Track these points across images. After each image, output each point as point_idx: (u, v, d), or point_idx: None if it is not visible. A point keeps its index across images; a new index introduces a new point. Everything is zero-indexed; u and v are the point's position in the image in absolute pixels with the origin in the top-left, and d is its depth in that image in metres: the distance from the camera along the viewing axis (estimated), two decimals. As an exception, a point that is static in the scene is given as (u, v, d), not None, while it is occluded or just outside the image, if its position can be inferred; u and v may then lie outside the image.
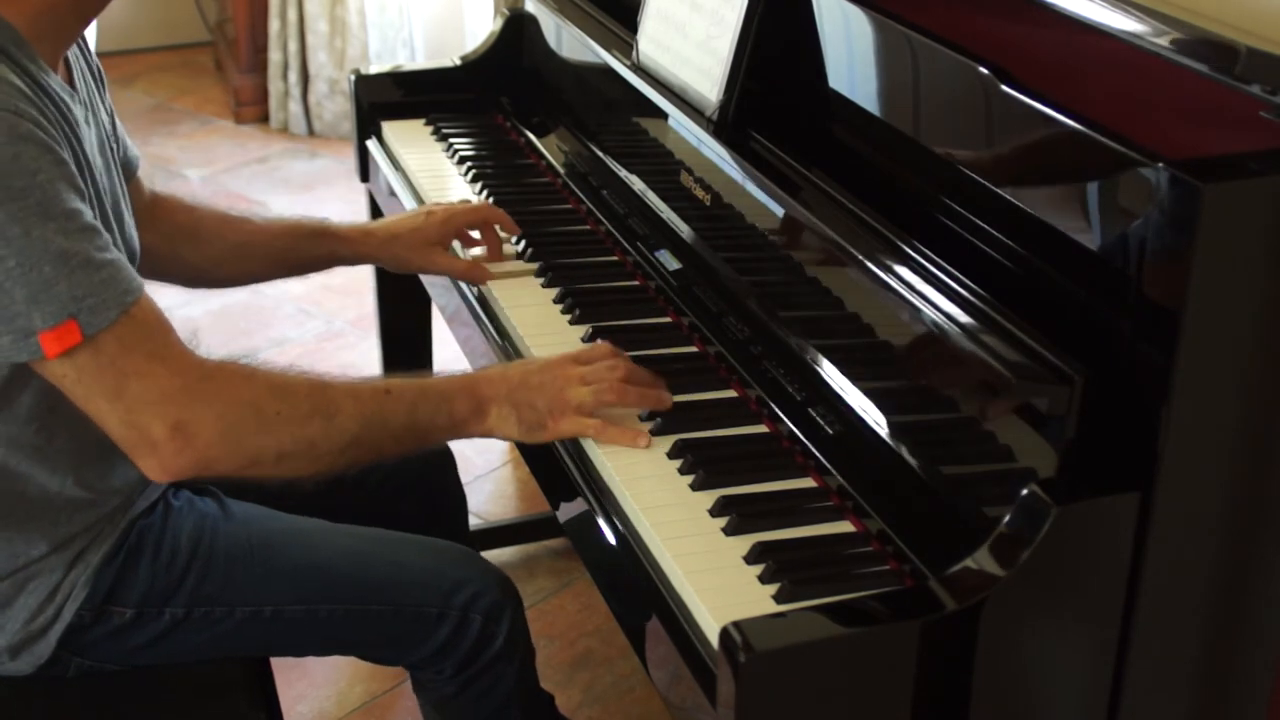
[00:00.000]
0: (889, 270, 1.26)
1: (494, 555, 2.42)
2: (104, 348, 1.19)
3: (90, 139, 1.32)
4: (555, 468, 1.44)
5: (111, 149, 1.42)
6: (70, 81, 1.35)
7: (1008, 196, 1.23)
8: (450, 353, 2.66)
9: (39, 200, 1.15)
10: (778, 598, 1.16)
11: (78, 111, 1.30)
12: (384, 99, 2.20)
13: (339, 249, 1.72)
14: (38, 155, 1.16)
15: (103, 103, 1.45)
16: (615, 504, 1.32)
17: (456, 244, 1.78)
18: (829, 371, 1.38)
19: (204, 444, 1.22)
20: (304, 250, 1.71)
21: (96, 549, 1.38)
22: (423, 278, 1.93)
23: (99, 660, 1.41)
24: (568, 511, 1.45)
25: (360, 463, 1.34)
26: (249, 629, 1.43)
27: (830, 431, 1.35)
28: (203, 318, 3.24)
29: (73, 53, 1.37)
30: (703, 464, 1.33)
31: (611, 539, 1.31)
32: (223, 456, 1.24)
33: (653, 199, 1.75)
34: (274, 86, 4.41)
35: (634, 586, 1.27)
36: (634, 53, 1.76)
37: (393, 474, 1.70)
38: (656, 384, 1.41)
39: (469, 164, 2.02)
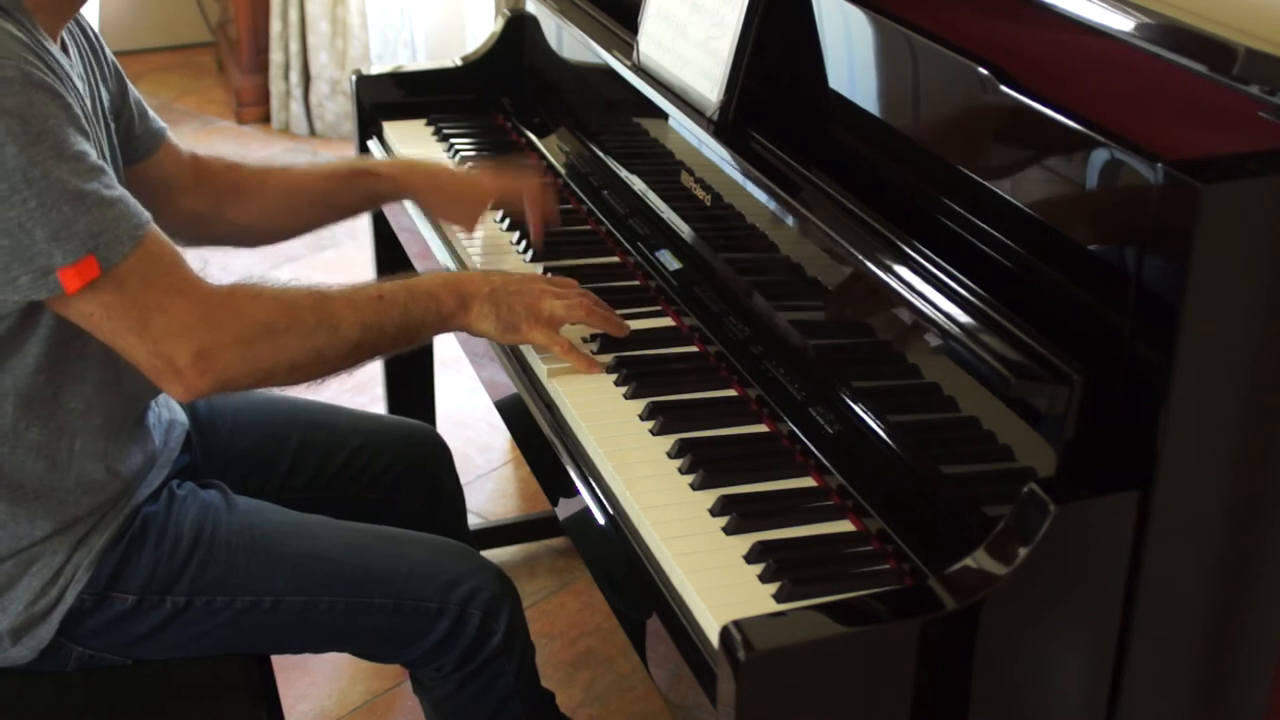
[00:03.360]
0: (889, 270, 1.26)
1: (495, 554, 2.42)
2: (126, 283, 1.25)
3: (87, 105, 1.35)
4: (555, 466, 1.44)
5: (108, 125, 1.44)
6: (65, 53, 1.38)
7: (1007, 196, 1.23)
8: (452, 352, 2.67)
9: (53, 144, 1.21)
10: (778, 597, 1.16)
11: (76, 80, 1.33)
12: (385, 99, 2.20)
13: (378, 186, 1.75)
14: (48, 101, 1.22)
15: (104, 82, 1.47)
16: (616, 503, 1.33)
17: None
18: (829, 371, 1.38)
19: (224, 365, 1.30)
20: (345, 191, 1.73)
21: (100, 533, 1.39)
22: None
23: (100, 649, 1.42)
24: (568, 511, 1.45)
25: (362, 364, 1.42)
26: (250, 620, 1.44)
27: (830, 431, 1.35)
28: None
29: (69, 32, 1.40)
30: (703, 463, 1.33)
31: (612, 538, 1.31)
32: (241, 374, 1.32)
33: (653, 199, 1.76)
34: (275, 87, 4.42)
35: (634, 586, 1.27)
36: (634, 53, 1.76)
37: (391, 464, 1.73)
38: (618, 319, 1.54)
39: (470, 164, 2.02)
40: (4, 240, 1.21)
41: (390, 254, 2.17)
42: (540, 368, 1.53)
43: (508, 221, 1.86)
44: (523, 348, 1.57)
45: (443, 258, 1.81)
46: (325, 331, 1.36)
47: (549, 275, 1.64)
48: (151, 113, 1.60)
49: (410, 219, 1.93)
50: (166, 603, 1.42)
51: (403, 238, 2.03)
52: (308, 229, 1.76)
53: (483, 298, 1.47)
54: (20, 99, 1.20)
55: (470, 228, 1.77)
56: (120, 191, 1.27)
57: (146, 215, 1.28)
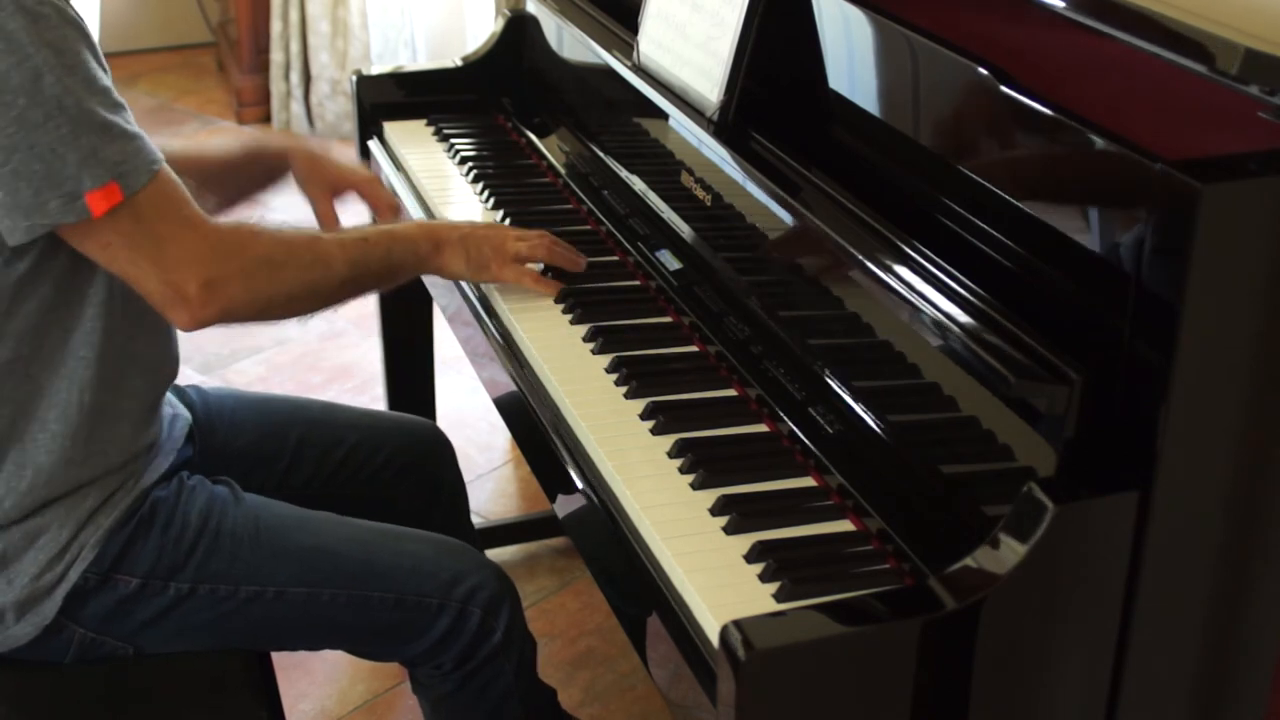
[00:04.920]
0: (889, 270, 1.26)
1: (495, 554, 2.42)
2: (143, 212, 1.32)
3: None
4: (555, 466, 1.45)
5: None
6: None
7: (1007, 197, 1.23)
8: (452, 352, 2.67)
9: (84, 76, 1.28)
10: (778, 596, 1.16)
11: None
12: (385, 99, 2.21)
13: (271, 163, 1.83)
14: (79, 38, 1.29)
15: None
16: (616, 503, 1.33)
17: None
18: (829, 371, 1.38)
19: (229, 295, 1.38)
20: (245, 174, 1.81)
21: (108, 513, 1.41)
22: (424, 279, 1.94)
23: (102, 632, 1.43)
24: (568, 510, 1.45)
25: (348, 300, 1.53)
26: (252, 611, 1.45)
27: (830, 430, 1.35)
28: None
29: None
30: (703, 463, 1.33)
31: (612, 537, 1.31)
32: (244, 304, 1.40)
33: (653, 199, 1.76)
34: (276, 87, 4.42)
35: (634, 585, 1.27)
36: (634, 53, 1.76)
37: (390, 459, 1.74)
38: (577, 253, 1.70)
39: (470, 164, 2.03)
40: (36, 165, 1.26)
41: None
42: (541, 367, 1.53)
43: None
44: (518, 343, 1.58)
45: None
46: (320, 267, 1.46)
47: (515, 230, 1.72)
48: None
49: (405, 211, 1.93)
50: (170, 589, 1.43)
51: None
52: (219, 210, 1.80)
53: (454, 242, 1.60)
54: (56, 33, 1.26)
55: (321, 207, 1.82)
56: (138, 129, 1.33)
57: (160, 155, 1.35)
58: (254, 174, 1.83)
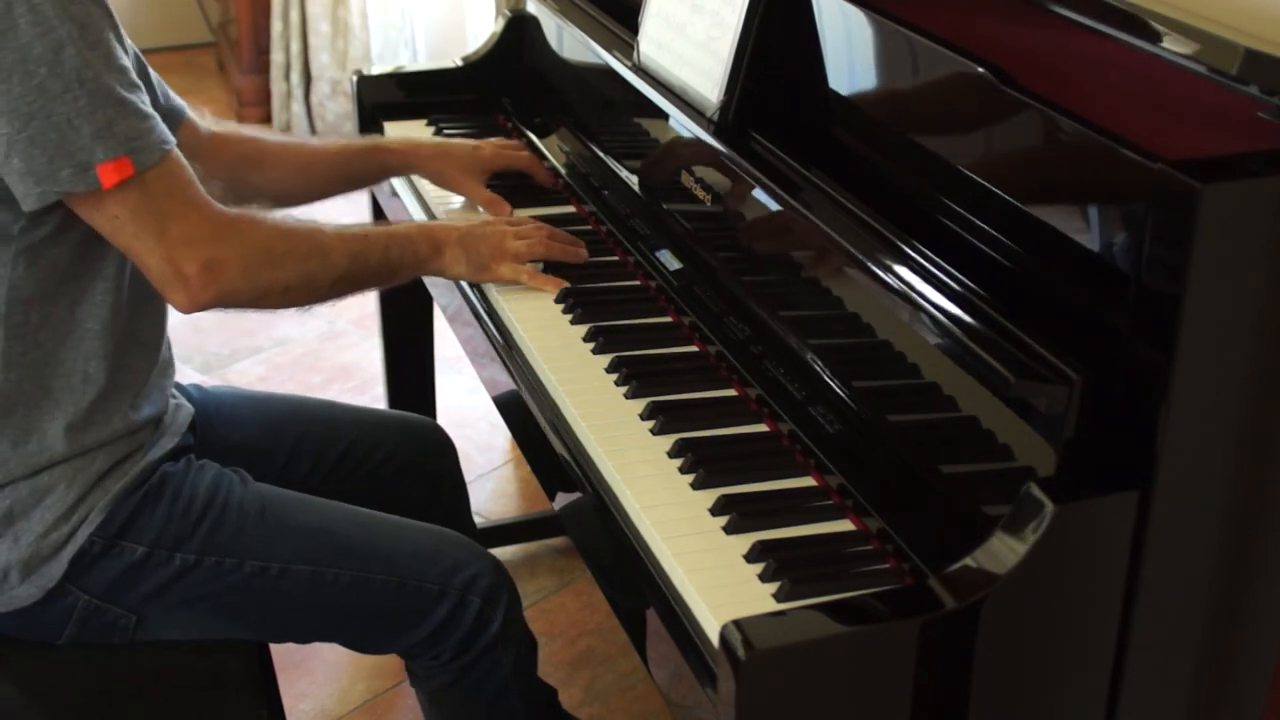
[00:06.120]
0: (889, 270, 1.26)
1: (495, 554, 2.41)
2: (152, 189, 1.35)
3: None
4: (555, 466, 1.45)
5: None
6: None
7: (1007, 197, 1.23)
8: (453, 351, 2.67)
9: (105, 53, 1.32)
10: (778, 596, 1.16)
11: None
12: (386, 100, 2.21)
13: (389, 160, 1.90)
14: (103, 16, 1.33)
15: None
16: (616, 502, 1.33)
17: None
18: (829, 371, 1.38)
19: (227, 279, 1.40)
20: (358, 164, 1.87)
21: (116, 479, 1.43)
22: (425, 279, 1.94)
23: (106, 600, 1.43)
24: (568, 510, 1.45)
25: (346, 295, 1.56)
26: (256, 588, 1.46)
27: (830, 430, 1.35)
28: (207, 317, 3.24)
29: None
30: (703, 463, 1.33)
31: (612, 537, 1.31)
32: (242, 289, 1.43)
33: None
34: (277, 87, 4.42)
35: (634, 585, 1.27)
36: (635, 53, 1.76)
37: (389, 456, 1.75)
38: (576, 243, 1.72)
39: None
40: (52, 134, 1.29)
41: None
42: (541, 367, 1.53)
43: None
44: (518, 343, 1.58)
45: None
46: (317, 258, 1.48)
47: (509, 219, 1.76)
48: (171, 92, 1.66)
49: (405, 211, 1.93)
50: (175, 559, 1.44)
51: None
52: (322, 197, 1.88)
53: (453, 243, 1.62)
54: (81, 9, 1.30)
55: (476, 195, 1.89)
56: (152, 110, 1.36)
57: (172, 138, 1.38)
58: (369, 166, 1.88)
